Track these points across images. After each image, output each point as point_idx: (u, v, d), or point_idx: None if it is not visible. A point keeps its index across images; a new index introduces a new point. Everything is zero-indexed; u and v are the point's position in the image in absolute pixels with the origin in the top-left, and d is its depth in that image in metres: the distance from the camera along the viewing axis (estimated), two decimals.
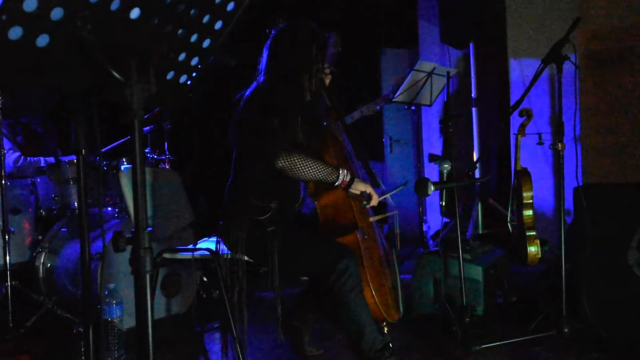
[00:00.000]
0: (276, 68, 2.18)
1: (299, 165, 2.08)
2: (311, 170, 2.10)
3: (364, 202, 2.20)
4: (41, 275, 3.13)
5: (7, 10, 0.92)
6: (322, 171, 2.11)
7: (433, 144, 5.27)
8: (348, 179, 2.14)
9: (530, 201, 2.71)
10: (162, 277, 3.02)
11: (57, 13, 0.97)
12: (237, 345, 2.11)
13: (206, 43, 1.37)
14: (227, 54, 2.62)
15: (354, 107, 4.08)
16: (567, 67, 2.50)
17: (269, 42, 2.23)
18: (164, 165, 3.63)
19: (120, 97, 1.11)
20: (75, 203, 3.20)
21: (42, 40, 0.98)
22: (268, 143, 2.08)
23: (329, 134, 2.39)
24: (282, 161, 2.07)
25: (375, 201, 2.20)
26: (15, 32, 0.96)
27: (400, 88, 3.92)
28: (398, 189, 2.36)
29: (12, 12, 0.93)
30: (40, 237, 3.26)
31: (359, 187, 2.17)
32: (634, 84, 3.82)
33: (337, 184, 2.14)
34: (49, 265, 3.15)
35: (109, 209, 3.24)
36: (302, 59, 2.17)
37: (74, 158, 3.29)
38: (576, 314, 2.55)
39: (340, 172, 2.14)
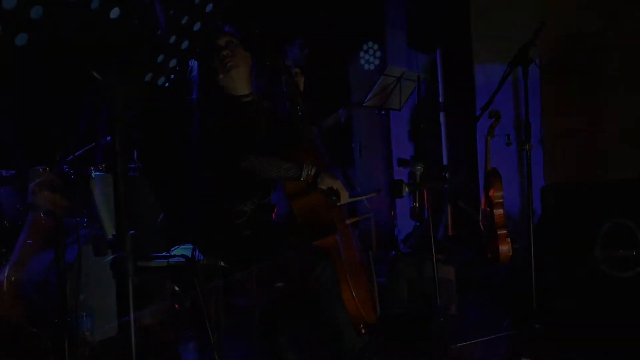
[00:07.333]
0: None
1: (257, 165, 2.10)
2: (271, 168, 2.12)
3: (333, 198, 2.18)
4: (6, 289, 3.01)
5: None
6: (280, 167, 2.12)
7: (402, 148, 5.33)
8: (313, 173, 2.13)
9: (501, 200, 2.78)
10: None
11: (36, 11, 0.95)
12: (215, 354, 2.08)
13: (184, 45, 1.36)
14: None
15: (325, 113, 4.10)
16: (531, 70, 2.58)
17: None
18: (133, 174, 3.55)
19: (100, 99, 1.09)
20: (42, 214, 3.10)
21: (21, 39, 0.96)
22: (225, 148, 2.12)
23: (307, 139, 2.40)
24: (243, 163, 2.09)
25: (344, 199, 2.19)
26: None
27: (370, 93, 3.96)
28: (370, 195, 2.38)
29: None
30: (4, 250, 3.14)
31: (327, 182, 2.16)
32: (594, 87, 3.97)
33: (302, 177, 2.13)
34: (14, 278, 3.03)
35: (78, 218, 3.14)
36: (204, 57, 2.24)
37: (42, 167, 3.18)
38: (546, 309, 2.62)
39: (304, 166, 2.13)
